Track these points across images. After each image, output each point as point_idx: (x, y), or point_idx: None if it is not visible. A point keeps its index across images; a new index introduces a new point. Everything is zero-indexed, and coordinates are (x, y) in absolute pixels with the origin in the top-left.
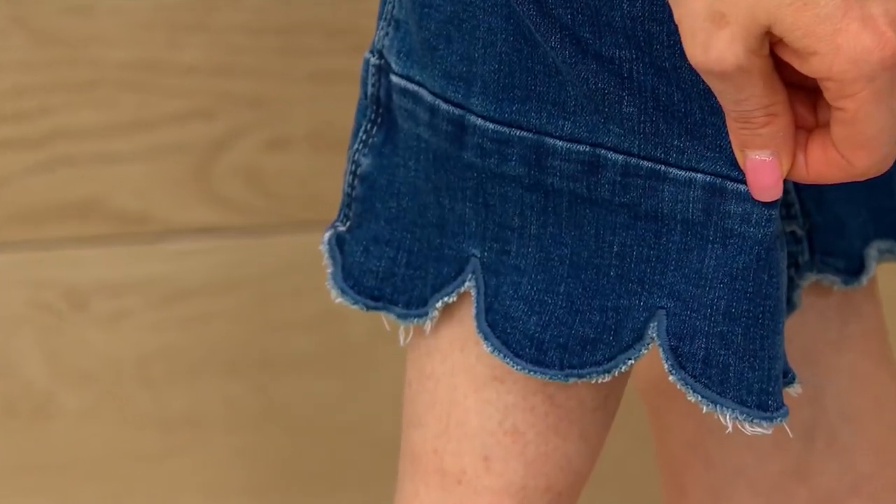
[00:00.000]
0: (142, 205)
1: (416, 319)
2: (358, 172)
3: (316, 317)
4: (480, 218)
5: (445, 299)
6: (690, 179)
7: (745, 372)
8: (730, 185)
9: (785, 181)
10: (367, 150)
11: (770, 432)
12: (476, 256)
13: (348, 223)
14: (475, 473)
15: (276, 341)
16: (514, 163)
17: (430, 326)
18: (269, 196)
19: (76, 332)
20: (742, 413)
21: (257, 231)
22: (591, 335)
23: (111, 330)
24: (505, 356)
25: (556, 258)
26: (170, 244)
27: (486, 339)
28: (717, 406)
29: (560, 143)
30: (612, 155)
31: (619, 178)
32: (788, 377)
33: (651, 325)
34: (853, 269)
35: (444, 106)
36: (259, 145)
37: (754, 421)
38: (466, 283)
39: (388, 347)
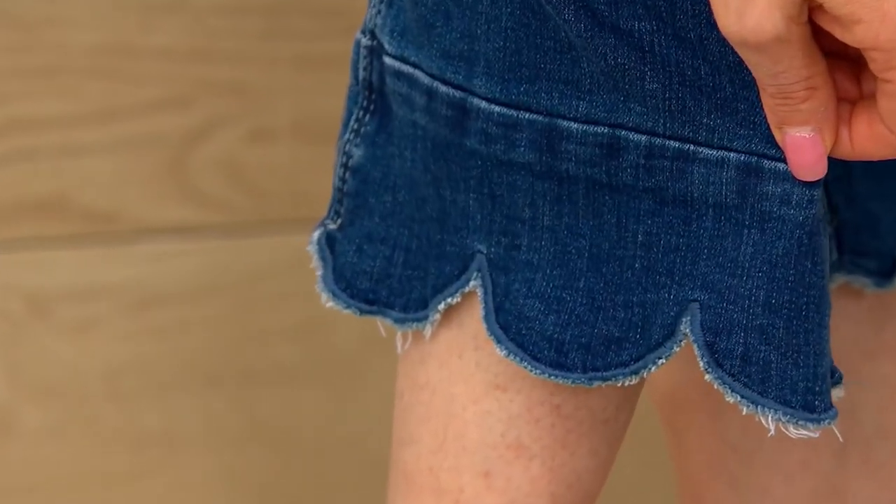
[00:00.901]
0: (111, 202)
1: (415, 324)
2: (349, 165)
3: (302, 324)
4: (486, 210)
5: (448, 300)
6: (722, 159)
7: (789, 369)
8: (766, 163)
9: None
10: (359, 140)
11: (817, 435)
12: (482, 252)
13: (339, 220)
14: (474, 492)
15: (258, 351)
16: (523, 149)
17: (430, 331)
18: (251, 192)
19: (39, 342)
20: (786, 414)
21: (238, 231)
22: (616, 333)
23: (78, 339)
24: (522, 359)
25: (573, 251)
26: (142, 245)
27: (498, 341)
28: (759, 407)
29: (575, 125)
30: (633, 136)
31: (642, 161)
32: (836, 376)
33: (683, 319)
34: (886, 270)
35: (443, 88)
36: (240, 137)
37: (799, 422)
38: (472, 283)
39: (380, 357)
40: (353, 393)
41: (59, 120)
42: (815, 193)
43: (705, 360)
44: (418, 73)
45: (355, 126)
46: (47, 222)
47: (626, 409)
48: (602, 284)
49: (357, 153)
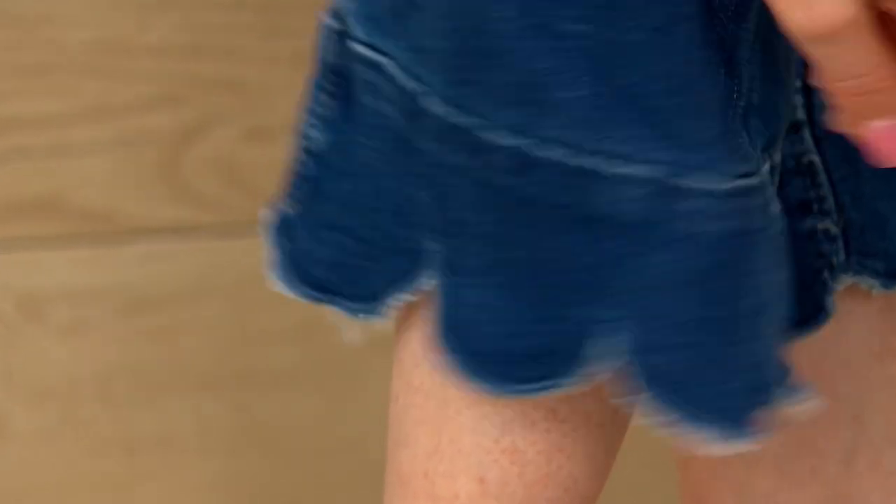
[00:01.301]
0: (104, 202)
1: (364, 315)
2: (309, 148)
3: (299, 327)
4: (441, 209)
5: (401, 296)
6: (636, 175)
7: (719, 384)
8: (683, 179)
9: (815, 173)
10: (321, 124)
11: (754, 448)
12: (436, 251)
13: (297, 206)
14: (469, 498)
15: (254, 354)
16: (464, 153)
17: (383, 323)
18: (246, 192)
19: (31, 345)
20: (717, 432)
21: (234, 231)
22: (552, 345)
23: (70, 342)
24: (466, 371)
25: (513, 260)
26: (136, 246)
27: (443, 350)
28: (691, 425)
29: (493, 134)
30: (546, 149)
31: (555, 177)
32: (788, 390)
33: (609, 338)
34: (894, 272)
35: (407, 82)
36: (236, 135)
37: (730, 441)
38: (426, 281)
39: (378, 360)
40: (352, 395)
41: (53, 119)
42: (735, 206)
43: (632, 379)
44: (387, 63)
45: (318, 110)
46: (40, 222)
47: (622, 414)
48: (540, 296)
49: (318, 137)
